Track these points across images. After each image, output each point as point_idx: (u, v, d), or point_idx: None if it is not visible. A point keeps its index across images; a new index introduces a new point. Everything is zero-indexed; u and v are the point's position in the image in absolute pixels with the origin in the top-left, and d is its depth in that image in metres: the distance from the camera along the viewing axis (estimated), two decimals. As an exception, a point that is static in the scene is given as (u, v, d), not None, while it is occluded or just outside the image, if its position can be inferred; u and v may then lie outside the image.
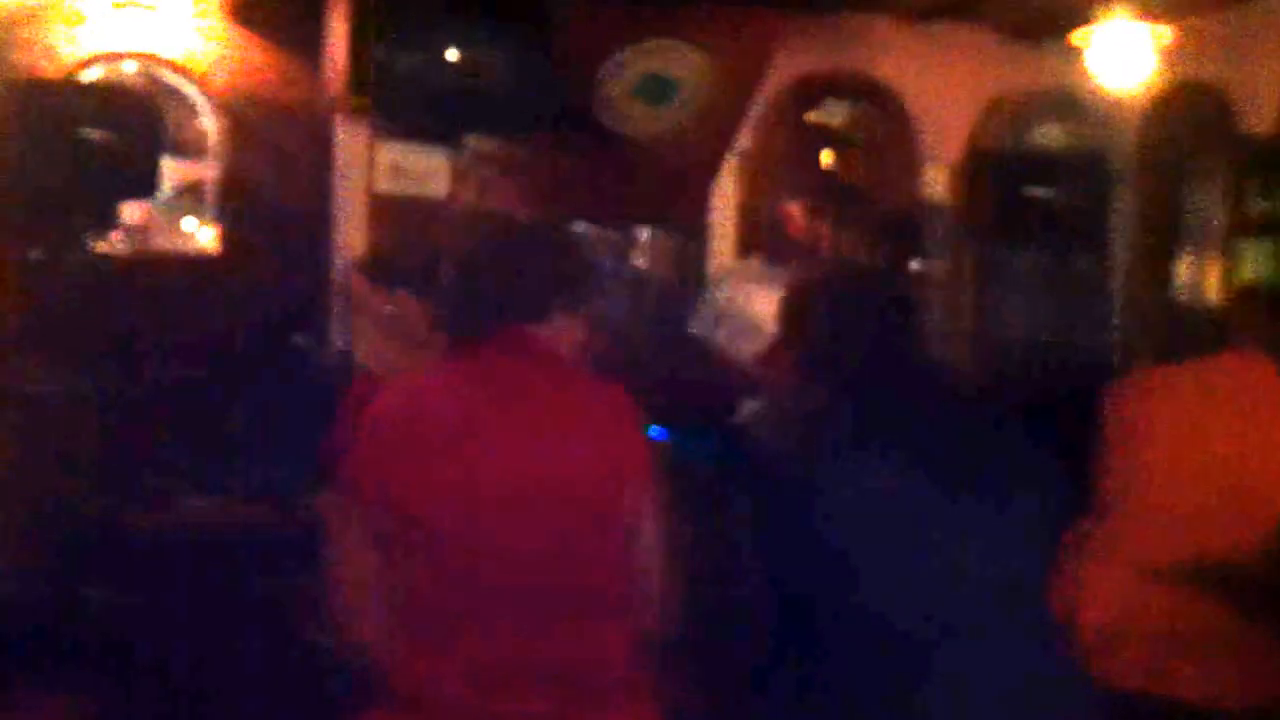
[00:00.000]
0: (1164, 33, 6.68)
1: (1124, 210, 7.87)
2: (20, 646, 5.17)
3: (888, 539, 2.61)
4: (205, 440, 6.07)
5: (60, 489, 5.98)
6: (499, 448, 2.58)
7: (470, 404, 2.62)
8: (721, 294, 5.85)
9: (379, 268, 5.08)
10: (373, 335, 4.44)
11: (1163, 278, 7.69)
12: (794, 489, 2.72)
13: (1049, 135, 8.23)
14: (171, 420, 6.33)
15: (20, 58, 6.96)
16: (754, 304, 5.26)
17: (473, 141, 6.89)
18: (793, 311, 3.07)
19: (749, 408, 4.84)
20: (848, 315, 2.96)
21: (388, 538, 2.56)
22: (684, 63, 7.34)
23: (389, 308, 4.58)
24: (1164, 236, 7.86)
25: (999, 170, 7.72)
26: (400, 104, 6.74)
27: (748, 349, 5.11)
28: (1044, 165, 7.77)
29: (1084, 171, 7.67)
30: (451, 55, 6.78)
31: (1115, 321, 7.78)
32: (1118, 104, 7.33)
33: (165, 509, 5.81)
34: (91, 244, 6.67)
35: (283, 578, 4.63)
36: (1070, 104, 7.84)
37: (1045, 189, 7.57)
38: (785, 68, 7.61)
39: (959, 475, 2.67)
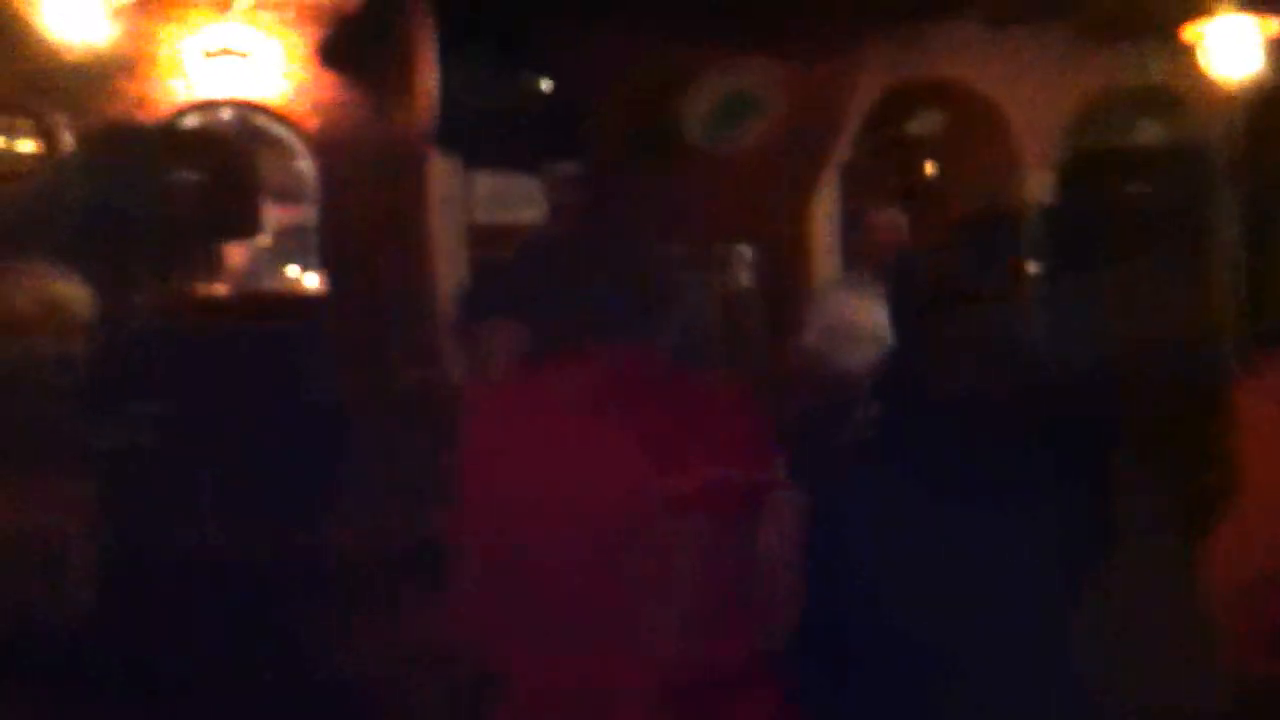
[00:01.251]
0: (1273, 25, 6.52)
1: (1229, 208, 7.73)
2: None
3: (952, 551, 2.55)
4: (317, 478, 6.09)
5: (164, 529, 6.03)
6: (607, 460, 2.52)
7: (576, 418, 2.56)
8: (826, 306, 5.79)
9: (477, 296, 5.09)
10: (476, 363, 4.43)
11: (1268, 276, 7.54)
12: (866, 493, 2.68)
13: (1150, 133, 8.12)
14: (283, 460, 6.36)
15: (118, 107, 7.08)
16: (859, 314, 5.20)
17: (565, 166, 6.90)
18: (902, 319, 3.03)
19: (858, 417, 4.78)
20: (953, 321, 2.91)
21: (503, 546, 2.54)
22: (768, 79, 7.32)
23: (489, 335, 4.58)
24: (1271, 234, 7.72)
25: (1098, 170, 7.61)
26: (490, 134, 6.78)
27: (856, 359, 5.05)
28: (1144, 163, 7.64)
29: (1186, 168, 7.55)
30: (542, 84, 6.82)
31: (1222, 321, 7.63)
32: (1221, 99, 7.20)
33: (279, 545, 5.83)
34: (195, 287, 6.72)
35: (400, 599, 4.64)
36: (1171, 100, 7.74)
37: (1146, 187, 7.45)
38: (877, 79, 7.59)
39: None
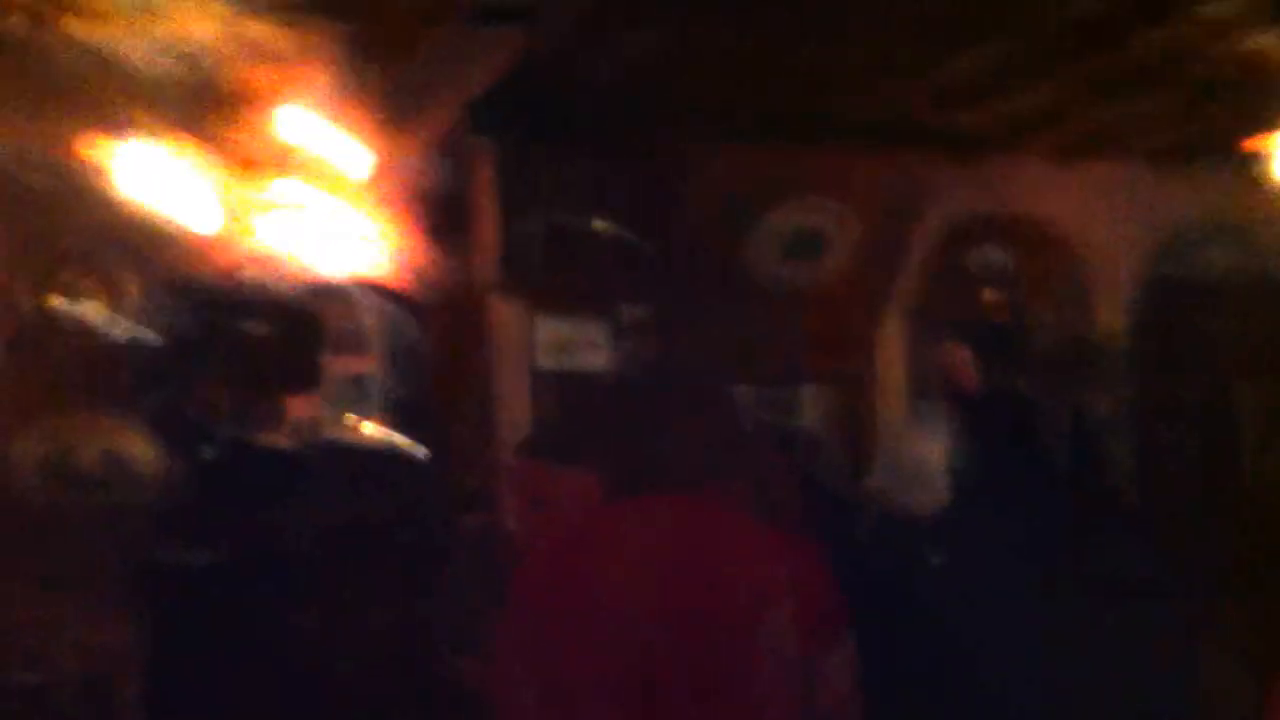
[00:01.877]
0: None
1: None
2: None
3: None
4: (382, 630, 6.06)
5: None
6: (660, 606, 2.51)
7: (630, 563, 2.56)
8: (894, 446, 5.70)
9: (540, 445, 5.03)
10: (536, 510, 4.35)
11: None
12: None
13: (1225, 262, 8.01)
14: (343, 613, 6.32)
15: (180, 262, 7.16)
16: (929, 453, 5.09)
17: (628, 310, 6.89)
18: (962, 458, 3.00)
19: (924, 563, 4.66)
20: (1022, 457, 2.90)
21: (549, 696, 2.51)
22: (830, 216, 7.31)
23: (548, 482, 4.51)
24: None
25: (1172, 302, 7.52)
26: (552, 278, 6.79)
27: (926, 500, 4.92)
28: (1220, 294, 7.54)
29: (1263, 298, 7.42)
30: (598, 224, 6.83)
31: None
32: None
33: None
34: (260, 440, 6.72)
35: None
36: (1243, 228, 7.63)
37: (1220, 318, 7.35)
38: (940, 212, 7.58)
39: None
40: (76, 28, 5.67)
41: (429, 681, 5.39)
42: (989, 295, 7.61)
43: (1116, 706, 2.64)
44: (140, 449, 6.84)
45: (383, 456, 7.18)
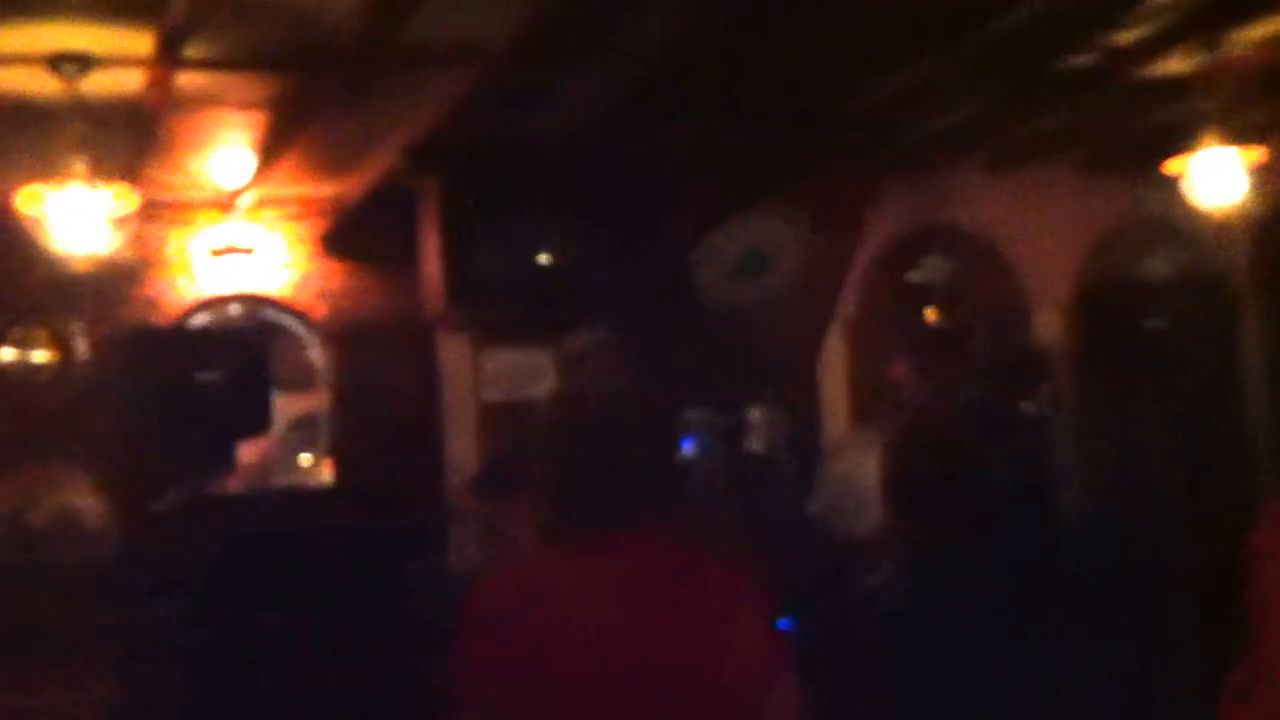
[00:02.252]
0: (1256, 152, 6.60)
1: (1246, 332, 7.71)
2: None
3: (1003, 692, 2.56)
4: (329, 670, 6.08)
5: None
6: (607, 643, 2.49)
7: (577, 599, 2.55)
8: (835, 469, 5.76)
9: (487, 478, 5.08)
10: (484, 545, 4.41)
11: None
12: (911, 654, 2.66)
13: (1159, 266, 8.15)
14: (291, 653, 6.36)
15: (127, 311, 7.20)
16: (867, 476, 5.14)
17: (571, 339, 6.94)
18: (894, 474, 3.02)
19: (872, 581, 4.72)
20: (955, 473, 2.90)
21: None
22: (776, 237, 7.35)
23: (498, 517, 4.56)
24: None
25: (1110, 307, 7.60)
26: (497, 310, 6.84)
27: (866, 524, 4.99)
28: (1156, 297, 7.65)
29: (1199, 298, 7.55)
30: (542, 258, 6.89)
31: (1245, 451, 7.54)
32: (1222, 229, 7.24)
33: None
34: (210, 486, 6.74)
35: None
36: (1174, 233, 7.77)
37: (1160, 320, 7.43)
38: (881, 229, 7.65)
39: (1066, 629, 2.62)
40: (12, 81, 5.68)
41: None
42: (931, 307, 7.70)
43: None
44: (92, 503, 6.86)
45: (334, 496, 7.23)
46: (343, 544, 6.78)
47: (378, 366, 7.32)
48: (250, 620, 6.46)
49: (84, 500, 6.84)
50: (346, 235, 7.46)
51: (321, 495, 7.20)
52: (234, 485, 6.94)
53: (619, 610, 2.52)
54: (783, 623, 4.33)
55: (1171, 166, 6.71)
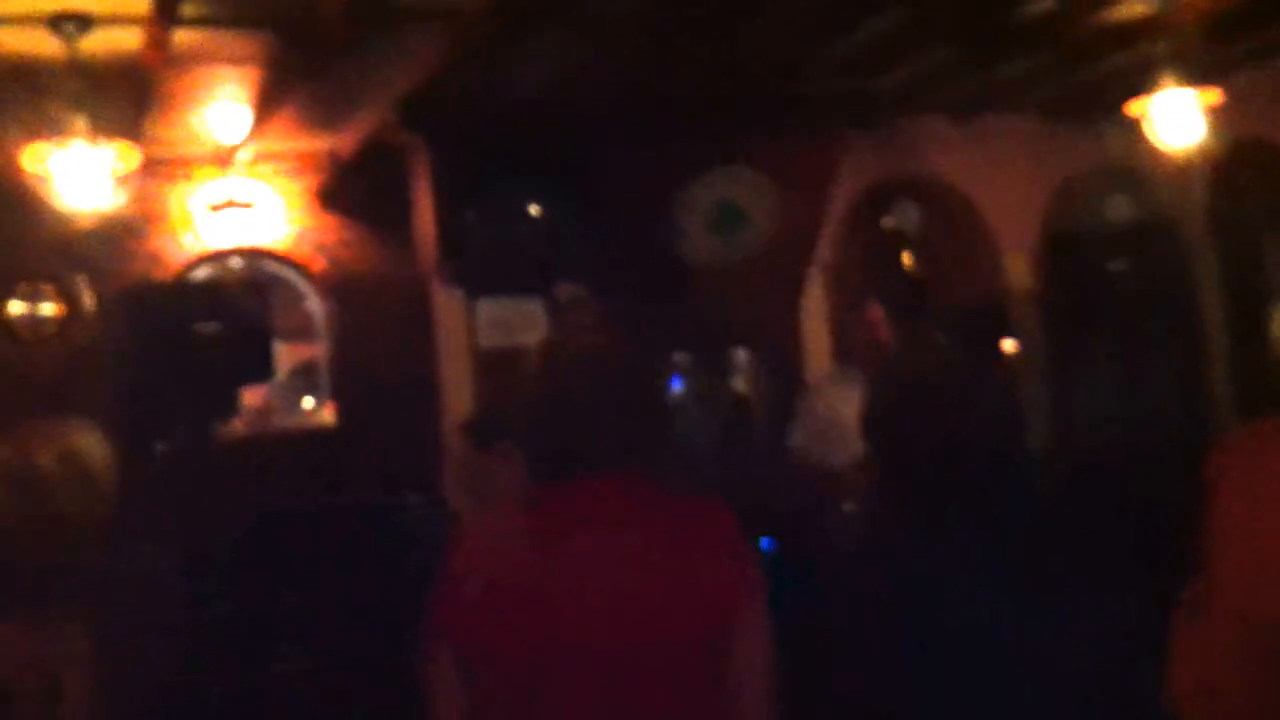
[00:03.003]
0: (1212, 94, 6.75)
1: (1206, 272, 7.90)
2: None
3: (967, 637, 2.62)
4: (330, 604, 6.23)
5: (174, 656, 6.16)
6: (586, 585, 2.56)
7: (558, 541, 2.62)
8: (817, 404, 5.93)
9: (478, 424, 5.27)
10: (475, 491, 4.58)
11: (1253, 335, 7.65)
12: (877, 591, 2.74)
13: (1120, 209, 8.31)
14: (297, 588, 6.51)
15: (131, 266, 7.34)
16: (848, 411, 5.32)
17: (562, 289, 7.08)
18: (873, 412, 3.09)
19: (841, 515, 4.92)
20: (930, 412, 2.93)
21: (476, 676, 2.59)
22: (751, 189, 7.48)
23: (488, 462, 4.72)
24: (1251, 293, 7.86)
25: (1074, 250, 7.81)
26: (489, 262, 6.97)
27: (845, 456, 5.16)
28: (1117, 239, 7.85)
29: (1159, 241, 7.75)
30: (532, 210, 7.03)
31: (1207, 386, 7.76)
32: (1181, 171, 7.39)
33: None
34: (216, 430, 6.90)
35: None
36: (1135, 177, 7.92)
37: (1122, 263, 7.63)
38: (854, 177, 7.80)
39: (1041, 571, 2.70)
40: (13, 41, 5.78)
41: (381, 663, 5.57)
42: (904, 253, 7.87)
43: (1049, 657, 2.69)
44: (98, 451, 6.96)
45: (333, 438, 7.41)
46: (344, 479, 6.96)
47: (374, 317, 7.46)
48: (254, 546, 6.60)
49: (92, 448, 6.96)
50: (342, 190, 7.60)
51: (323, 436, 7.38)
52: (239, 428, 7.13)
53: (599, 552, 2.57)
54: (765, 542, 4.57)
55: (1131, 109, 6.85)
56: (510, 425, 4.76)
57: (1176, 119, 6.78)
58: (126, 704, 6.09)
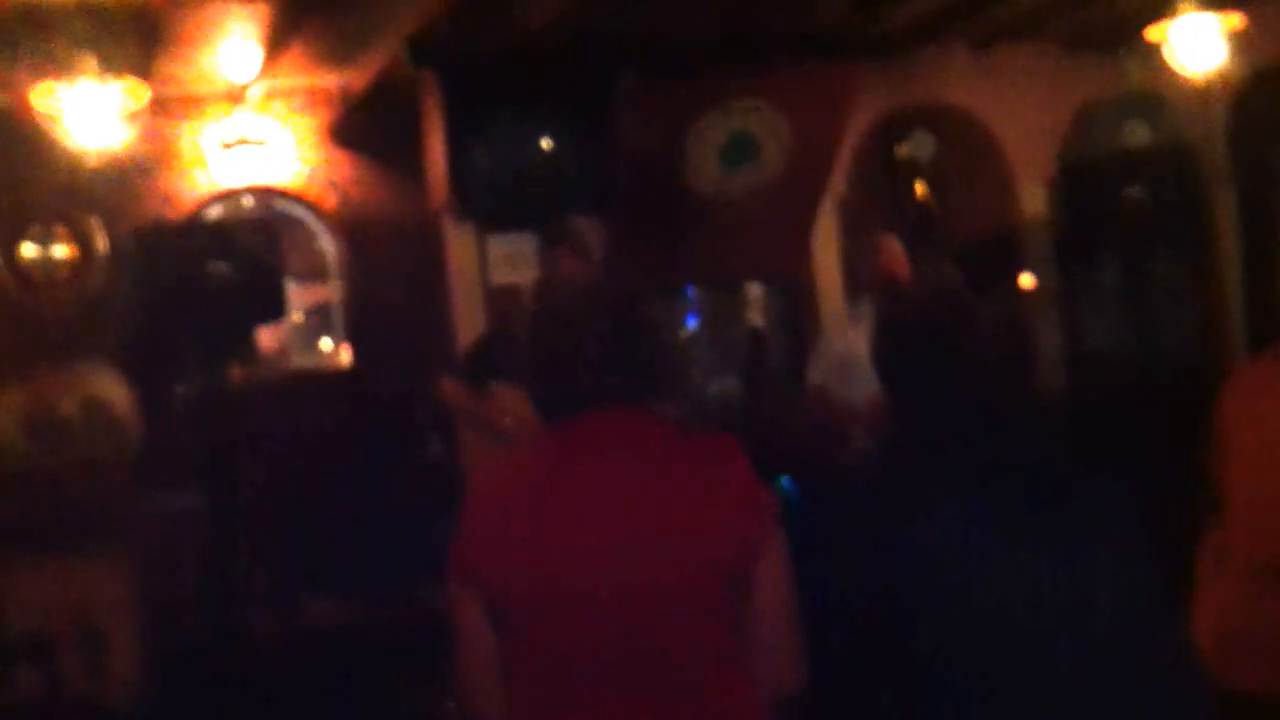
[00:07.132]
0: (1234, 19, 6.69)
1: (1223, 203, 7.86)
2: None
3: (972, 580, 2.58)
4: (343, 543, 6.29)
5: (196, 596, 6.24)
6: (600, 520, 2.55)
7: (570, 479, 2.61)
8: (834, 341, 5.93)
9: (474, 365, 5.23)
10: (478, 432, 4.57)
11: (1269, 265, 7.62)
12: (882, 531, 2.73)
13: (1137, 137, 8.26)
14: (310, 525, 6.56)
15: (143, 206, 7.34)
16: (859, 348, 5.32)
17: (573, 223, 7.06)
18: (883, 343, 3.09)
19: (859, 452, 4.91)
20: (941, 343, 2.94)
21: (500, 617, 2.59)
22: (763, 121, 7.42)
23: (487, 403, 4.70)
24: (1268, 223, 7.83)
25: (1091, 178, 7.76)
26: (500, 197, 6.95)
27: (862, 392, 5.16)
28: (1134, 167, 7.79)
29: (1176, 168, 7.70)
30: (544, 144, 7.00)
31: (1220, 320, 7.74)
32: (1200, 97, 7.34)
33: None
34: (231, 370, 6.88)
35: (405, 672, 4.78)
36: (1153, 104, 7.87)
37: (1138, 190, 7.58)
38: (868, 108, 7.70)
39: (1049, 495, 2.63)
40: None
41: (401, 611, 5.62)
42: (918, 184, 7.83)
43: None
44: (119, 394, 7.00)
45: (349, 378, 7.43)
46: (360, 419, 6.97)
47: (387, 255, 7.46)
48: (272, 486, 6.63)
49: (111, 390, 7.00)
50: (354, 126, 7.58)
51: (339, 376, 7.40)
52: (256, 369, 7.15)
53: (610, 487, 2.57)
54: (785, 481, 4.57)
55: (1152, 34, 6.79)
56: (502, 360, 4.76)
57: (1197, 45, 6.74)
58: (167, 648, 6.18)
